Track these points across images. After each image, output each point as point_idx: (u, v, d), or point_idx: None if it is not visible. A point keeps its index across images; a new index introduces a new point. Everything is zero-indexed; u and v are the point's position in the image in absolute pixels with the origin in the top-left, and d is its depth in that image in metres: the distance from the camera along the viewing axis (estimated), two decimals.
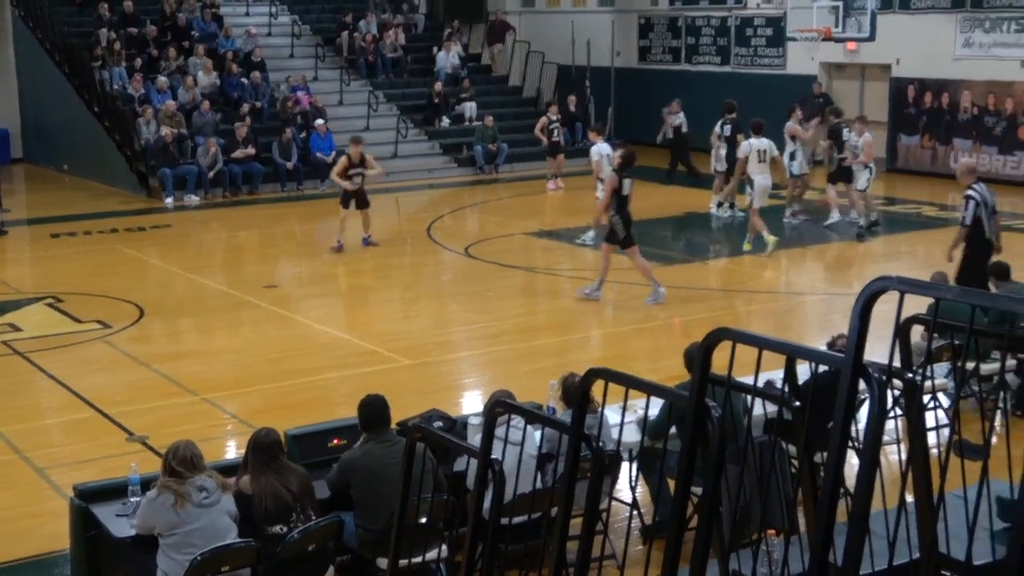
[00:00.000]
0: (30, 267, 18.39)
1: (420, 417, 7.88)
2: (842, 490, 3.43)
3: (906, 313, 3.76)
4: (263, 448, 6.68)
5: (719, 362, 3.68)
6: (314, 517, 6.62)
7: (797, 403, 4.70)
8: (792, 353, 3.72)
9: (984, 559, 4.70)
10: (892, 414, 4.93)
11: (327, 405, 10.57)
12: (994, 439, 4.32)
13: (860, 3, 23.20)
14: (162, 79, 24.57)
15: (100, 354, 12.82)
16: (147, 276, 17.16)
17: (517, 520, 6.34)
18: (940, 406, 9.10)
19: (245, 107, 24.38)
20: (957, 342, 8.08)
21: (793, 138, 19.39)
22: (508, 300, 15.08)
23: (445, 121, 26.90)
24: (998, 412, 7.59)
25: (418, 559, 6.28)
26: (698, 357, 3.72)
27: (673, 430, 6.61)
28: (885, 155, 24.44)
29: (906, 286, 3.22)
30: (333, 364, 12.35)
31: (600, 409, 5.14)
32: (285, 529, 6.48)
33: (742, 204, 18.81)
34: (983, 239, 12.28)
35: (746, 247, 17.29)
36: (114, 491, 6.96)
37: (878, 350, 3.64)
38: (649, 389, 4.20)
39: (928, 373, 4.73)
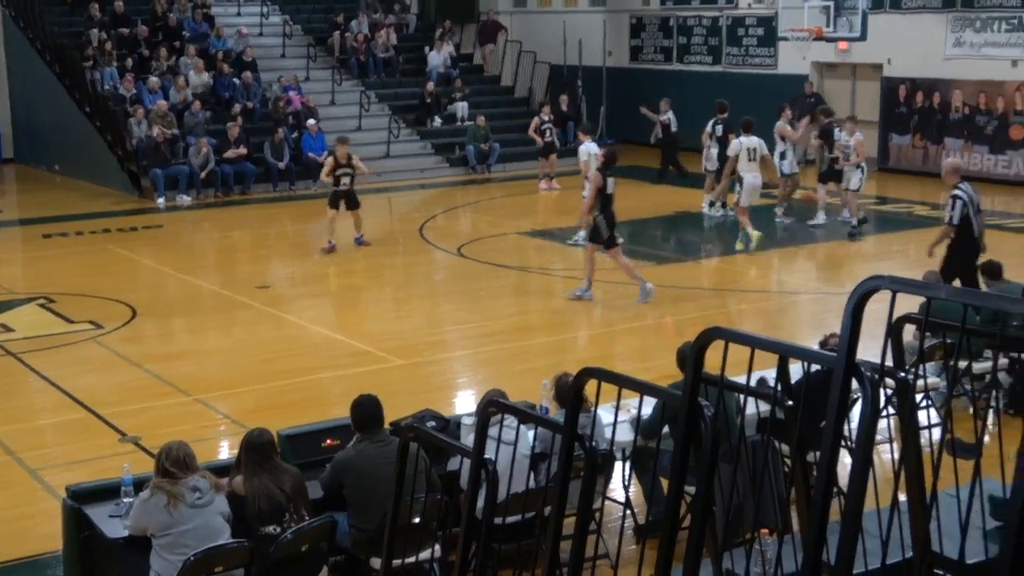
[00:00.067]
0: (22, 268, 18.35)
1: (413, 417, 7.87)
2: (835, 489, 3.44)
3: (898, 312, 3.77)
4: (256, 448, 6.68)
5: (712, 361, 3.68)
6: (307, 517, 6.62)
7: (790, 402, 4.71)
8: (785, 352, 3.73)
9: (977, 558, 4.71)
10: (885, 413, 4.94)
11: (320, 405, 10.56)
12: (986, 438, 4.34)
13: (851, 3, 23.25)
14: (153, 79, 24.53)
15: (92, 355, 12.80)
16: (139, 276, 17.14)
17: (510, 520, 6.34)
18: (932, 405, 9.13)
19: (237, 107, 24.35)
20: (949, 341, 8.10)
21: (783, 138, 19.44)
22: (501, 300, 15.08)
23: (437, 121, 26.89)
24: (990, 411, 7.61)
25: (411, 559, 6.28)
26: (691, 356, 3.73)
27: (666, 429, 6.62)
28: (877, 154, 24.49)
29: (898, 285, 3.23)
30: (326, 364, 12.35)
31: (593, 408, 5.14)
32: (278, 529, 6.48)
33: (733, 203, 18.82)
34: (971, 238, 12.32)
35: (738, 246, 17.30)
36: (107, 492, 6.96)
37: (870, 349, 3.65)
38: (642, 388, 4.21)
39: (920, 372, 4.74)
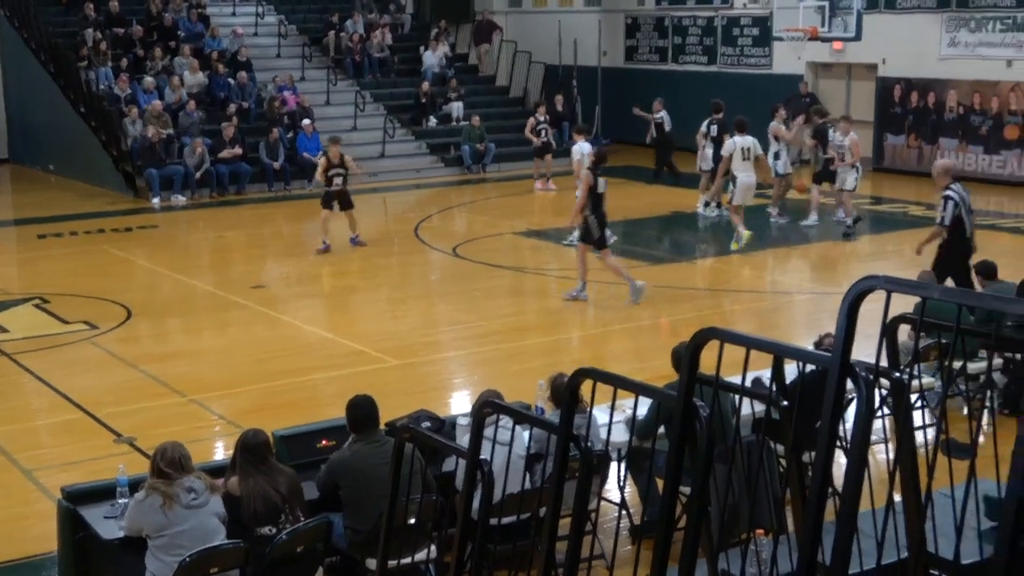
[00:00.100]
0: (16, 268, 18.32)
1: (408, 417, 7.87)
2: (830, 489, 3.44)
3: (893, 312, 3.78)
4: (251, 449, 6.67)
5: (707, 361, 3.68)
6: (303, 518, 6.61)
7: (785, 402, 4.71)
8: (780, 352, 3.74)
9: (972, 558, 4.71)
10: (879, 413, 4.94)
11: (315, 406, 10.56)
12: (981, 438, 4.34)
13: (846, 3, 23.24)
14: (148, 79, 24.51)
15: (87, 355, 12.78)
16: (134, 277, 17.12)
17: (506, 520, 6.35)
18: (927, 405, 9.14)
19: (232, 107, 24.34)
20: (944, 341, 8.10)
21: (777, 138, 19.47)
22: (496, 300, 15.08)
23: (432, 121, 26.89)
24: (985, 411, 7.61)
25: (407, 560, 6.28)
26: (686, 357, 3.73)
27: (661, 430, 6.61)
28: (872, 155, 24.51)
29: (893, 285, 3.24)
30: (321, 365, 12.34)
31: (588, 409, 5.14)
32: (274, 530, 6.48)
33: (727, 202, 18.84)
34: (964, 239, 12.36)
35: (734, 246, 17.31)
36: (102, 493, 6.95)
37: (865, 349, 3.65)
38: (637, 389, 4.21)
39: (915, 372, 4.75)
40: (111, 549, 6.54)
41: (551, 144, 24.35)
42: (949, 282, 11.83)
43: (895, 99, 24.62)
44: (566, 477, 4.45)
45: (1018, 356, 9.76)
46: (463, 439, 7.23)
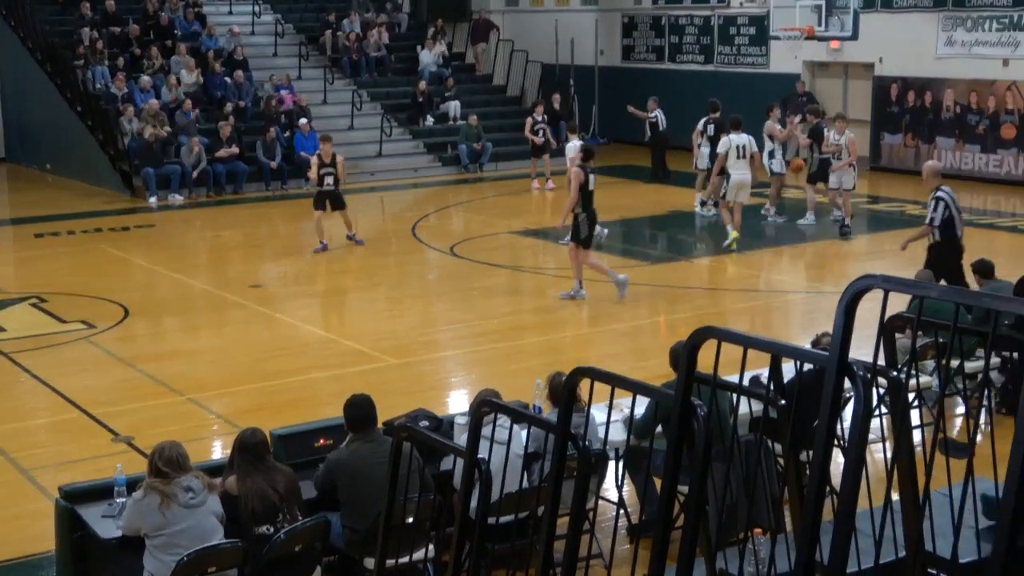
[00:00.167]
0: (13, 267, 18.30)
1: (406, 416, 7.87)
2: (828, 488, 3.45)
3: (890, 312, 3.78)
4: (249, 448, 6.67)
5: (704, 361, 3.69)
6: (300, 517, 6.61)
7: (783, 402, 4.72)
8: (777, 352, 3.74)
9: (969, 557, 4.72)
10: (877, 412, 4.95)
11: (313, 405, 10.56)
12: (979, 437, 4.35)
13: (843, 2, 23.26)
14: (145, 78, 24.48)
15: (85, 354, 12.78)
16: (131, 276, 17.11)
17: (504, 520, 6.35)
18: (925, 404, 9.15)
19: (229, 106, 24.32)
20: (941, 340, 8.11)
21: (771, 137, 19.51)
22: (494, 299, 15.08)
23: (429, 120, 26.88)
24: (983, 410, 7.62)
25: (405, 559, 6.28)
26: (683, 356, 3.73)
27: (659, 429, 6.62)
28: (868, 154, 24.54)
29: (890, 284, 3.24)
30: (319, 364, 12.34)
31: (586, 408, 5.14)
32: (272, 530, 6.47)
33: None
34: (955, 239, 12.44)
35: (731, 245, 17.30)
36: (100, 492, 6.94)
37: (863, 348, 3.66)
38: (635, 388, 4.21)
39: (913, 371, 4.75)
40: (109, 548, 6.54)
41: (550, 143, 24.34)
42: (942, 283, 11.86)
43: (892, 98, 24.64)
44: (564, 476, 4.45)
45: (1015, 355, 9.78)
46: (461, 438, 7.23)
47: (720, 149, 17.71)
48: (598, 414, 7.19)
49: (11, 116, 28.49)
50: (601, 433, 7.10)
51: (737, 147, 17.25)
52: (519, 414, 6.08)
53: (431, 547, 6.87)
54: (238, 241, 19.75)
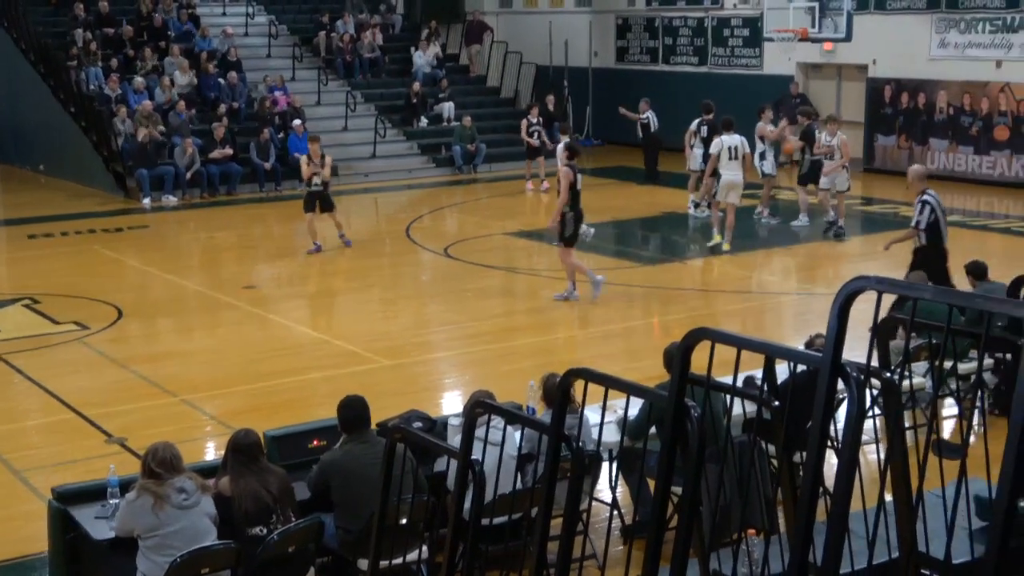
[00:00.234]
0: (6, 268, 18.28)
1: (400, 418, 7.87)
2: (821, 489, 3.45)
3: (883, 313, 3.79)
4: (242, 449, 6.67)
5: (698, 362, 3.69)
6: (294, 519, 6.61)
7: (776, 403, 4.72)
8: (771, 353, 3.74)
9: (963, 558, 4.73)
10: (871, 413, 4.95)
11: (306, 406, 10.54)
12: (972, 438, 4.36)
13: (836, 4, 23.28)
14: (139, 79, 24.46)
15: (78, 355, 12.76)
16: (125, 277, 17.09)
17: (497, 521, 6.34)
18: (918, 405, 9.16)
19: (222, 107, 24.30)
20: (935, 341, 8.12)
21: (762, 138, 19.55)
22: (487, 300, 15.08)
23: (423, 121, 26.88)
24: (976, 411, 7.64)
25: (399, 560, 6.28)
26: (677, 357, 3.73)
27: (653, 430, 6.62)
28: (862, 155, 24.57)
29: (884, 286, 3.24)
30: (312, 365, 12.33)
31: (580, 409, 5.14)
32: (265, 531, 6.47)
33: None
34: (940, 242, 12.49)
35: (725, 247, 17.31)
36: (93, 493, 6.94)
37: (856, 349, 3.66)
38: (629, 389, 4.21)
39: (906, 372, 4.75)
40: (102, 550, 6.53)
41: (545, 145, 24.33)
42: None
43: (885, 100, 24.67)
44: (558, 477, 4.45)
45: (1008, 356, 9.79)
46: (455, 439, 7.23)
47: (712, 150, 17.72)
48: (592, 415, 7.19)
49: (4, 117, 28.41)
50: (595, 434, 7.08)
51: (729, 148, 17.25)
52: (513, 415, 6.07)
53: (425, 548, 6.86)
54: (232, 242, 19.73)
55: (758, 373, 4.40)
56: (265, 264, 18.01)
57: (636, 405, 7.18)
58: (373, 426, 7.25)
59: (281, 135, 24.08)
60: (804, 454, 3.46)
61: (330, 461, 6.96)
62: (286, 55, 27.58)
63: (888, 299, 3.36)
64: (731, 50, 27.86)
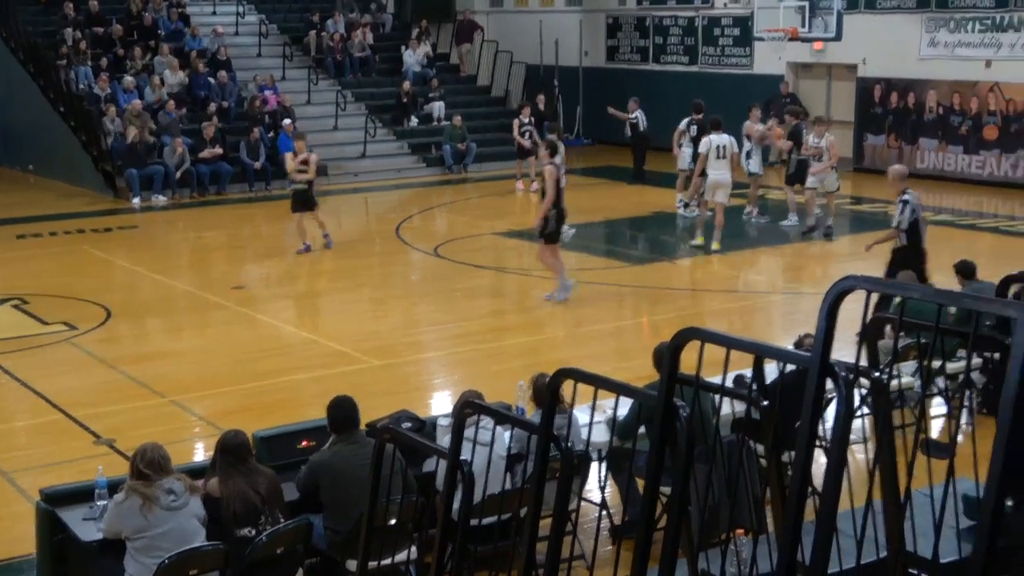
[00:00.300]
0: None
1: (389, 418, 7.86)
2: (810, 489, 3.44)
3: (871, 312, 3.78)
4: (231, 450, 6.65)
5: (687, 361, 3.68)
6: (283, 519, 6.60)
7: (765, 402, 4.71)
8: (760, 352, 3.74)
9: (951, 557, 4.73)
10: (859, 413, 4.95)
11: (296, 406, 10.52)
12: (960, 437, 4.36)
13: (826, 3, 23.31)
14: (128, 78, 24.41)
15: (66, 356, 12.72)
16: (114, 277, 17.05)
17: (486, 521, 6.34)
18: (906, 404, 9.17)
19: (212, 107, 24.26)
20: (923, 341, 8.13)
21: (749, 137, 19.58)
22: (477, 300, 15.07)
23: (414, 121, 26.86)
24: (964, 410, 7.65)
25: (387, 561, 6.27)
26: (666, 357, 3.73)
27: (642, 430, 6.62)
28: (852, 155, 24.61)
29: (873, 286, 3.24)
30: (301, 365, 12.31)
31: (569, 409, 5.14)
32: (254, 532, 6.46)
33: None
34: (920, 242, 12.53)
35: (714, 246, 17.32)
36: (81, 495, 6.91)
37: (845, 349, 3.66)
38: (618, 389, 4.21)
39: (895, 372, 4.76)
40: (90, 551, 6.51)
41: (537, 145, 24.26)
42: None
43: (875, 99, 24.71)
44: (546, 477, 4.45)
45: (997, 355, 9.80)
46: (444, 440, 7.22)
47: (701, 149, 17.73)
48: (581, 415, 7.19)
49: None
50: (584, 434, 7.09)
51: (717, 147, 17.28)
52: (502, 415, 6.07)
53: (414, 549, 6.85)
54: (221, 242, 19.69)
55: (747, 372, 4.39)
56: (254, 264, 17.98)
57: (625, 405, 7.17)
58: (362, 426, 7.24)
59: (271, 134, 24.04)
60: (793, 453, 3.46)
61: (319, 462, 6.95)
62: (276, 54, 27.54)
63: (874, 299, 3.35)
64: (721, 49, 27.88)
